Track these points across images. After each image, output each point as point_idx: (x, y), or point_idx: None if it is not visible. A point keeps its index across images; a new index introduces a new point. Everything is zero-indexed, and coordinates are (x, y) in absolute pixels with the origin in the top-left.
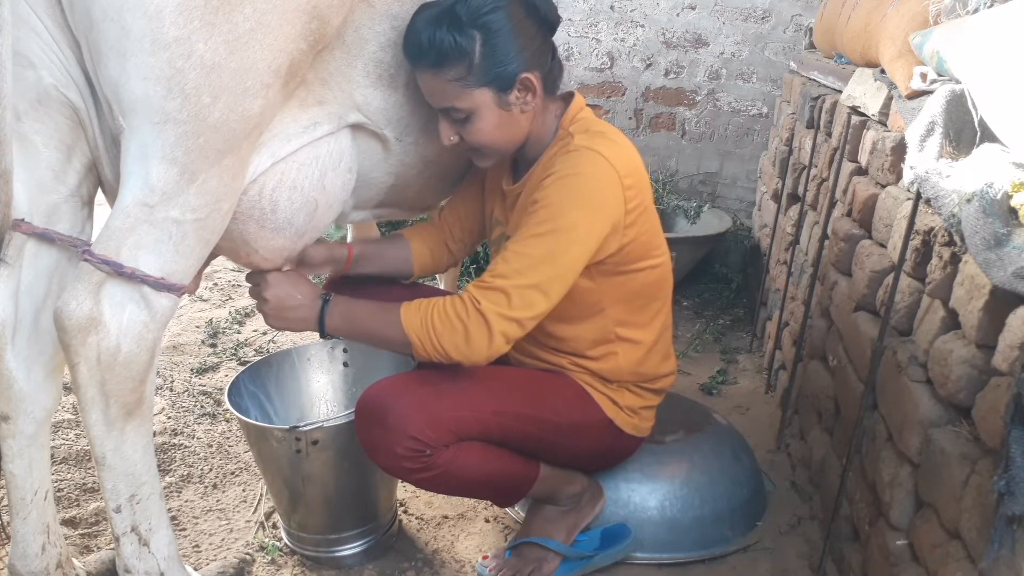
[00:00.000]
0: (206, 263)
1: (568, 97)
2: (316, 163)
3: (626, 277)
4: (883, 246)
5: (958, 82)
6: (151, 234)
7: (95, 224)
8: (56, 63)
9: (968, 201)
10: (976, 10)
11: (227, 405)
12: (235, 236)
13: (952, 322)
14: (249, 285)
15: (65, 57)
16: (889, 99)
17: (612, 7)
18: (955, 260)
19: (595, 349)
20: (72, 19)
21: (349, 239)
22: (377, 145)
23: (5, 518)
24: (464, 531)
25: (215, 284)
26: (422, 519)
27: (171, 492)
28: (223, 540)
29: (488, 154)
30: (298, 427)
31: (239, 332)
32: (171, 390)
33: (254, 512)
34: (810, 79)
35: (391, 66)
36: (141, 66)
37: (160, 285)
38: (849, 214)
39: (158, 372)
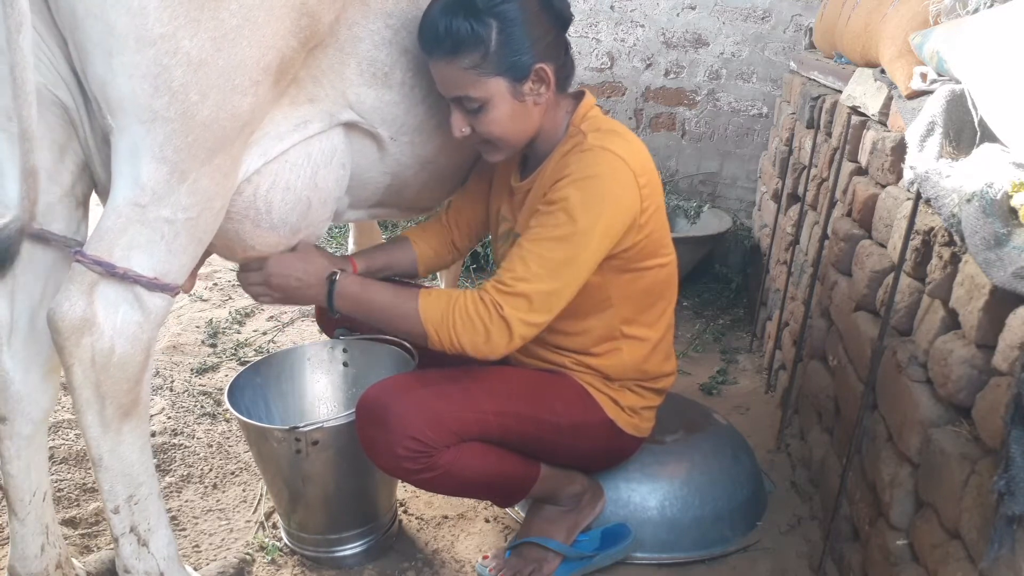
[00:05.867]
0: (200, 261)
1: (579, 95)
2: (308, 161)
3: (636, 275)
4: (883, 246)
5: (958, 82)
6: (143, 234)
7: (91, 224)
8: (45, 62)
9: (968, 201)
10: (976, 10)
11: (227, 405)
12: (231, 235)
13: (952, 322)
14: (246, 287)
15: (54, 56)
16: (889, 99)
17: (612, 7)
18: (955, 260)
19: (600, 346)
20: (57, 16)
21: (351, 237)
22: (372, 144)
23: (5, 518)
24: (464, 531)
25: (215, 284)
26: (422, 519)
27: (171, 492)
28: (223, 540)
29: (499, 146)
30: (298, 427)
31: (239, 332)
32: (171, 390)
33: (254, 512)
34: (810, 79)
35: (385, 64)
36: (127, 64)
37: (153, 285)
38: (849, 214)
39: (158, 372)
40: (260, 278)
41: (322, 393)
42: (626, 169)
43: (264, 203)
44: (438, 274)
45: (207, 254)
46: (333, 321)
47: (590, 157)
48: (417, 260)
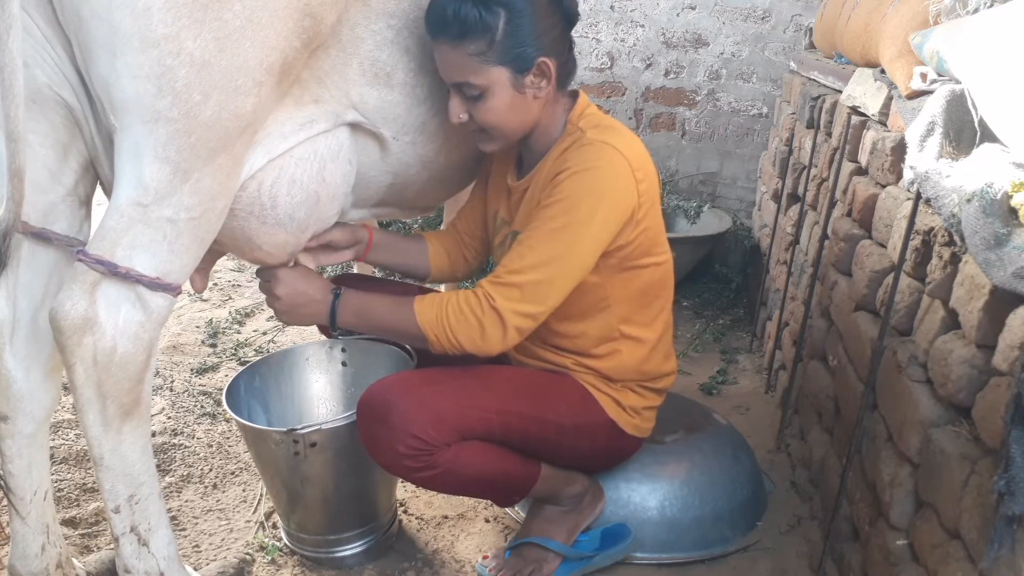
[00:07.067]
0: (211, 262)
1: (574, 95)
2: (315, 156)
3: (632, 273)
4: (883, 246)
5: (958, 82)
6: (146, 234)
7: (94, 223)
8: (49, 62)
9: (968, 201)
10: (976, 10)
11: (226, 406)
12: (237, 233)
13: (952, 322)
14: (258, 282)
15: (58, 56)
16: (889, 99)
17: (612, 7)
18: (955, 260)
19: (600, 347)
20: (62, 17)
21: None
22: (374, 144)
23: (5, 518)
24: (464, 531)
25: (215, 284)
26: (422, 519)
27: (171, 492)
28: (223, 540)
29: (495, 136)
30: (296, 430)
31: (239, 332)
32: (171, 390)
33: (254, 512)
34: (810, 79)
35: (387, 64)
36: (131, 64)
37: (155, 285)
38: (849, 214)
39: (158, 372)
40: (268, 288)
41: (321, 393)
42: (624, 164)
43: (269, 198)
44: None
45: (218, 254)
46: None
47: (589, 151)
48: (429, 255)
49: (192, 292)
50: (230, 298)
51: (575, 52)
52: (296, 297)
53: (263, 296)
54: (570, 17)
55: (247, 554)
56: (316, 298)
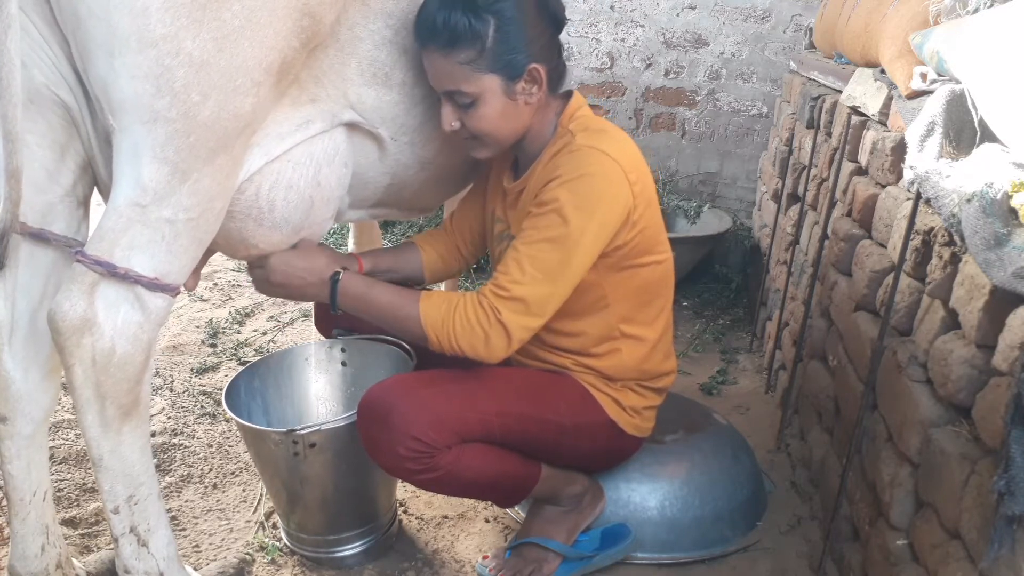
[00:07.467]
0: (203, 260)
1: (567, 95)
2: (311, 160)
3: (631, 272)
4: (883, 246)
5: (958, 82)
6: (144, 234)
7: (93, 224)
8: (46, 62)
9: (968, 201)
10: (976, 10)
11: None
12: (233, 234)
13: (952, 322)
14: (254, 282)
15: (55, 56)
16: (889, 99)
17: (612, 7)
18: (955, 260)
19: (600, 346)
20: (59, 17)
21: (351, 237)
22: (372, 144)
23: (4, 519)
24: (464, 531)
25: (215, 284)
26: (422, 519)
27: (171, 492)
28: (223, 540)
29: (487, 143)
30: (295, 430)
31: (239, 332)
32: (171, 390)
33: (254, 512)
34: (810, 79)
35: (385, 64)
36: (129, 64)
37: (154, 285)
38: (849, 214)
39: (158, 372)
40: (263, 275)
41: (321, 393)
42: (616, 167)
43: (267, 202)
44: None
45: (210, 252)
46: (330, 322)
47: (580, 157)
48: (423, 265)
49: (188, 292)
50: (230, 298)
51: (574, 52)
52: (293, 280)
53: (263, 296)
54: (558, 23)
55: (247, 554)
56: (313, 281)
